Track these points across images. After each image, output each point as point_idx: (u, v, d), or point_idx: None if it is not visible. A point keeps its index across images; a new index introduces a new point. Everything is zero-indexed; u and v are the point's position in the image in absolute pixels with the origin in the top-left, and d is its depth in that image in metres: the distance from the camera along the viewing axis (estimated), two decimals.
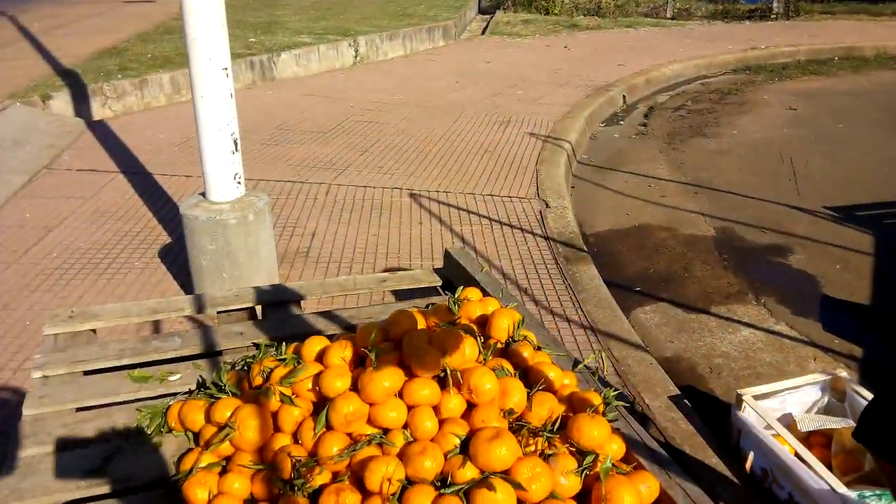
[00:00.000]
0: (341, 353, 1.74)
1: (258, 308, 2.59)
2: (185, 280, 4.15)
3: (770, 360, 3.68)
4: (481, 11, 19.46)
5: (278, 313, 2.50)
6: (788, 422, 2.90)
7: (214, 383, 1.90)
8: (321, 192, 5.61)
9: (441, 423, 1.61)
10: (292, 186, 5.71)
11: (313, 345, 1.85)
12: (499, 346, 1.90)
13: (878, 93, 9.66)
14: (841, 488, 2.32)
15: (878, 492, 2.27)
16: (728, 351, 3.77)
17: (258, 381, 1.86)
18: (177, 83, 8.22)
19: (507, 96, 8.82)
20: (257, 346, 2.27)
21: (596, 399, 1.72)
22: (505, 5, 17.63)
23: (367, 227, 5.00)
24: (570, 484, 1.52)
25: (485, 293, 2.33)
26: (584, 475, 1.54)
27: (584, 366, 1.95)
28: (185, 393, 2.02)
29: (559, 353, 1.99)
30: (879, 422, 1.24)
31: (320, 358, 1.81)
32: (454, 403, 1.64)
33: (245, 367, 2.05)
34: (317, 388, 1.69)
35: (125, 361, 2.15)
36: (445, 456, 1.53)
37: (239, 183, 3.70)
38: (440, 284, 2.73)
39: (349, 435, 1.61)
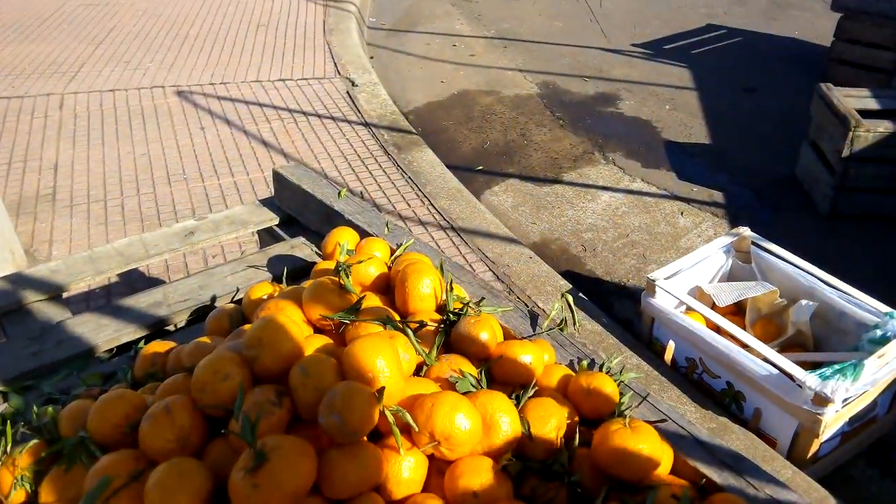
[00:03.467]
0: (174, 426, 0.92)
1: None
2: None
3: (639, 224, 3.35)
4: None
5: (26, 324, 1.54)
6: (697, 295, 2.58)
7: None
8: (52, 106, 4.20)
9: None
10: (8, 104, 4.22)
11: (111, 408, 0.99)
12: (428, 327, 1.18)
13: None
14: (795, 369, 2.02)
15: (836, 367, 2.01)
16: (594, 222, 3.38)
17: (18, 498, 0.99)
18: None
19: None
20: (6, 396, 1.34)
21: (610, 385, 1.10)
22: None
23: (129, 145, 3.81)
24: None
25: (361, 232, 1.56)
26: None
27: (551, 322, 1.31)
28: None
29: (506, 308, 1.32)
30: None
31: (132, 434, 0.97)
32: (411, 470, 0.92)
33: None
34: None
35: None
36: None
37: None
38: (277, 223, 1.89)
39: None
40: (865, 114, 3.23)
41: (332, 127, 3.91)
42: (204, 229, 1.81)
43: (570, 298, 1.37)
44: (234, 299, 1.55)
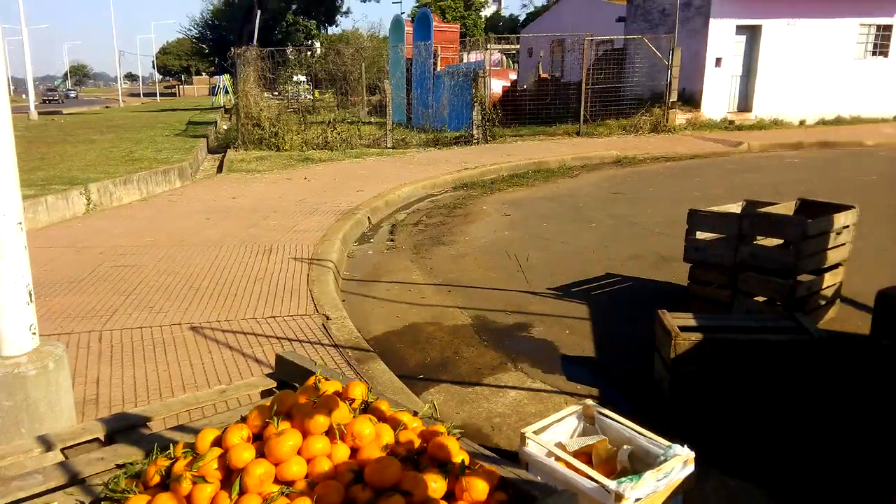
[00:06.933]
0: (239, 434, 2.09)
1: (102, 437, 2.72)
2: None
3: (535, 411, 4.55)
4: (210, 151, 19.86)
5: (130, 437, 2.67)
6: (559, 447, 3.71)
7: (112, 489, 2.09)
8: (93, 340, 5.48)
9: (335, 467, 2.05)
10: (58, 340, 5.48)
11: (206, 436, 2.16)
12: (356, 406, 2.38)
13: (566, 196, 12.05)
14: (605, 480, 3.13)
15: (630, 477, 3.11)
16: (503, 411, 4.57)
17: (156, 479, 2.10)
18: None
19: (262, 227, 9.30)
20: (121, 466, 2.44)
21: (442, 428, 2.29)
22: (235, 144, 18.27)
23: (153, 364, 5.04)
24: (439, 486, 2.05)
25: (328, 379, 2.79)
26: (447, 478, 2.08)
27: (425, 412, 2.52)
28: None
29: (404, 409, 2.53)
30: None
31: (216, 445, 2.13)
32: (343, 451, 2.09)
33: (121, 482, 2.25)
34: (224, 464, 2.01)
35: None
36: (346, 488, 1.97)
37: (34, 333, 3.67)
38: (276, 385, 3.10)
39: (262, 495, 1.96)
40: (686, 329, 4.64)
41: (310, 348, 5.21)
42: (232, 389, 3.02)
43: (435, 402, 2.57)
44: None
